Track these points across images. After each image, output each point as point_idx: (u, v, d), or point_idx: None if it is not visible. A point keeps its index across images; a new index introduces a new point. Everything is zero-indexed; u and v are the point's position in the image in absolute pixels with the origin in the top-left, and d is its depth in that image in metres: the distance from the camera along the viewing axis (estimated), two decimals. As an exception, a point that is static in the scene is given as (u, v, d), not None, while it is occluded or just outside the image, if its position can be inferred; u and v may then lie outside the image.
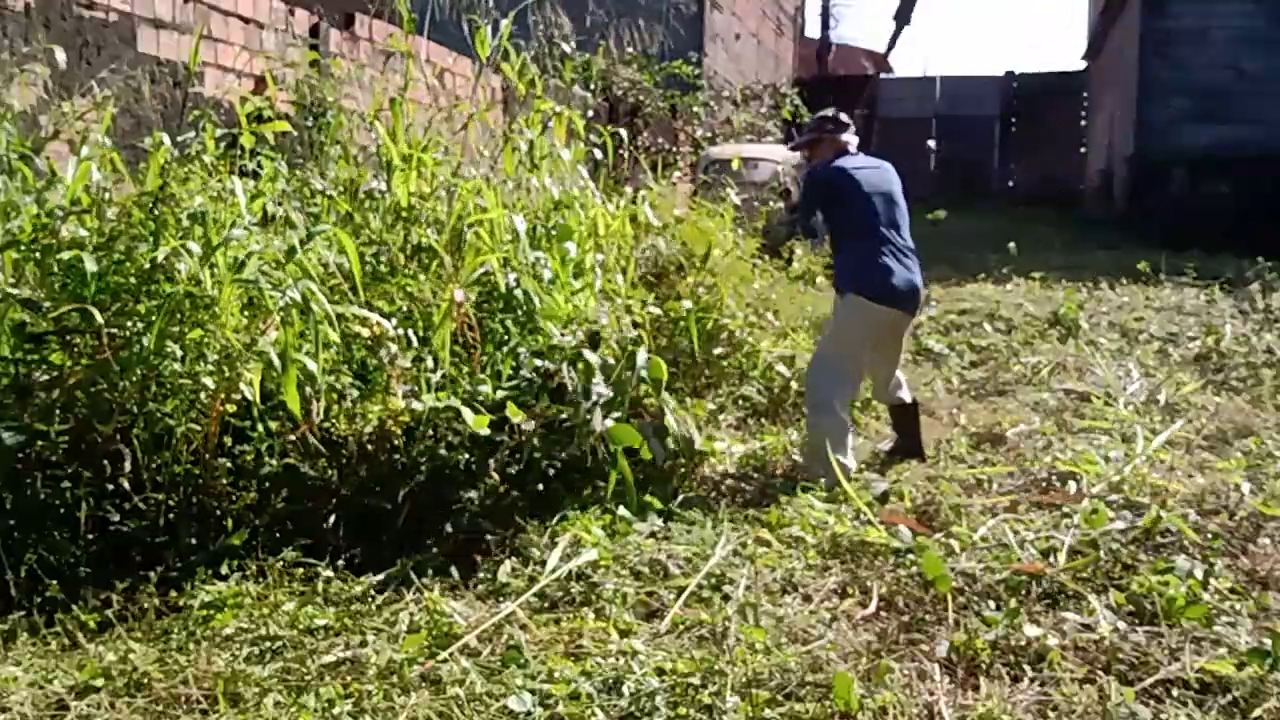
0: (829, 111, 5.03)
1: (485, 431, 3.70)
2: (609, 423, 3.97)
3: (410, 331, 4.06)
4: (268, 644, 2.90)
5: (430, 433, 3.76)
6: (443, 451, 3.72)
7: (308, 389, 3.56)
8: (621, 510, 3.86)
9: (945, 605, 3.14)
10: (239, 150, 4.57)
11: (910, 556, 3.50)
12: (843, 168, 4.78)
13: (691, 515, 3.99)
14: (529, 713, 2.59)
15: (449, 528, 3.61)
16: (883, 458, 5.01)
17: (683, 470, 4.44)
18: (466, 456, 3.76)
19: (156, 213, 3.67)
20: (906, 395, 5.03)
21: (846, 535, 3.78)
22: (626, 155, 7.80)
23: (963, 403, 6.16)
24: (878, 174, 4.81)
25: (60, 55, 4.48)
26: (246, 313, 3.60)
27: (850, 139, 4.91)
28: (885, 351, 4.86)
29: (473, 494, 3.72)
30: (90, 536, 3.24)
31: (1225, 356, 6.97)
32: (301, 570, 3.33)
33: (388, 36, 6.60)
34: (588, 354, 4.16)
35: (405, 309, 4.28)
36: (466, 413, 3.70)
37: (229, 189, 3.89)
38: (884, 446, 5.17)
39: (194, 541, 3.40)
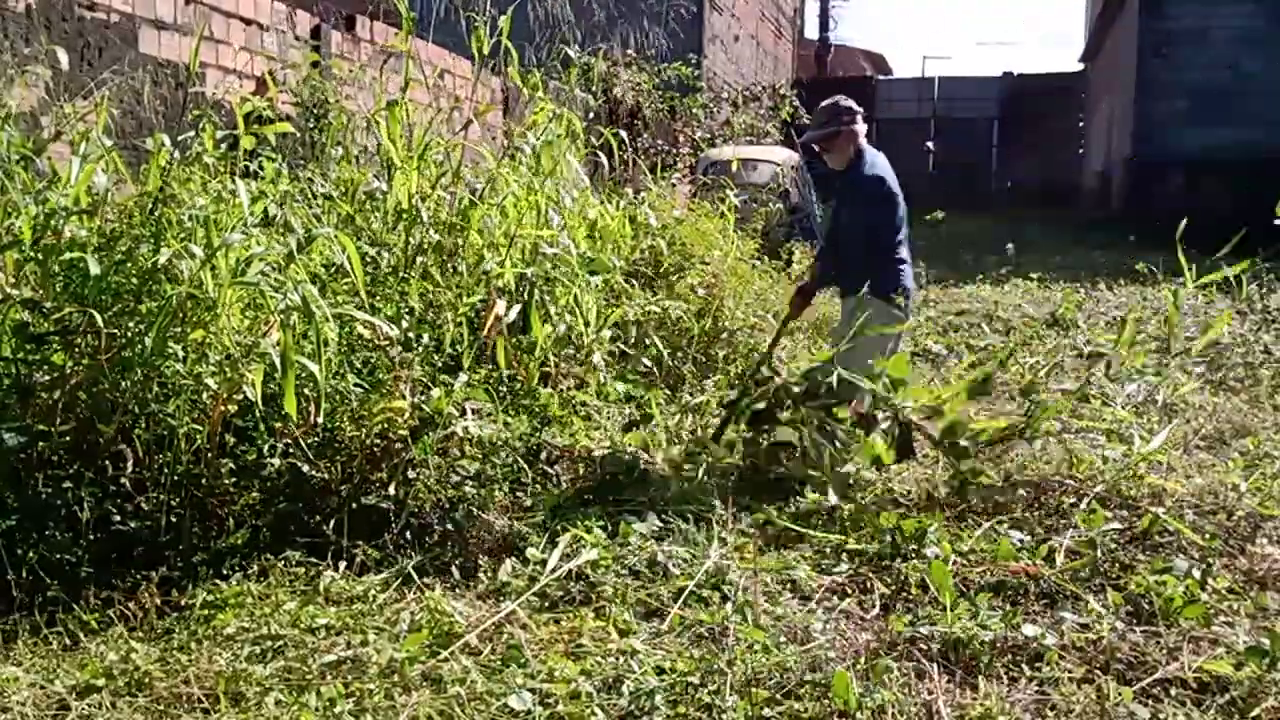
0: (840, 99, 4.94)
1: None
2: None
3: (423, 335, 4.08)
4: (269, 643, 2.91)
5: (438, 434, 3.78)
6: (455, 452, 3.74)
7: (309, 390, 3.57)
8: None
9: (944, 605, 3.15)
10: (240, 151, 4.58)
11: (914, 562, 3.50)
12: (891, 175, 4.84)
13: (690, 514, 4.00)
14: (529, 711, 2.61)
15: (450, 527, 3.63)
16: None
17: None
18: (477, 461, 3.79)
19: (157, 214, 3.68)
20: None
21: (846, 535, 3.79)
22: (627, 157, 7.80)
23: (961, 403, 6.17)
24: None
25: (62, 56, 4.49)
26: (249, 314, 3.61)
27: (863, 128, 4.90)
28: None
29: (475, 493, 3.73)
30: (92, 536, 3.24)
31: (1223, 356, 6.98)
32: (303, 570, 3.34)
33: (389, 37, 6.61)
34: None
35: (412, 309, 4.30)
36: None
37: (230, 190, 3.90)
38: None
39: (196, 541, 3.41)
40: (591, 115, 9.60)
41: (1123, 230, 15.26)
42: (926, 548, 3.56)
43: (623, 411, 4.97)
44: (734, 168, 9.47)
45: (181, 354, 3.45)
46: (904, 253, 4.88)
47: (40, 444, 3.30)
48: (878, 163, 4.86)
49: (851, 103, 4.91)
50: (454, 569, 3.46)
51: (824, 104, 5.03)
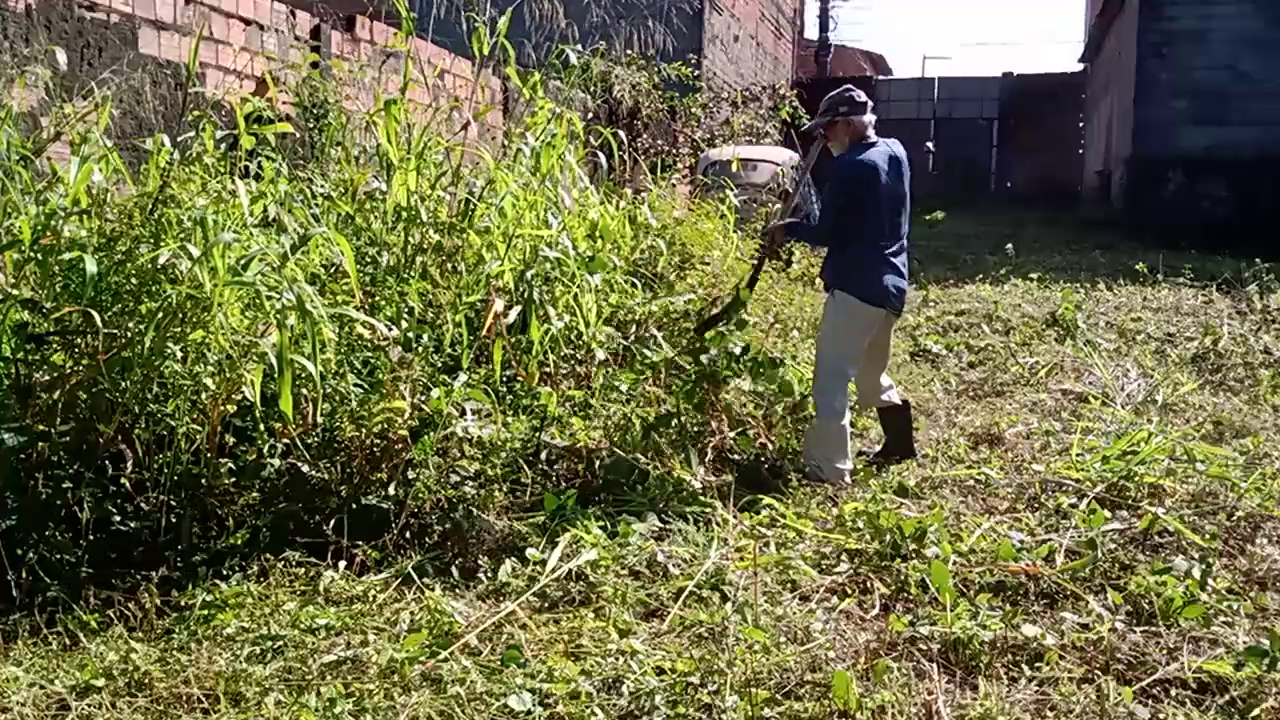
0: (845, 90, 4.82)
1: None
2: None
3: (423, 335, 4.08)
4: (269, 643, 2.91)
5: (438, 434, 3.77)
6: (455, 452, 3.74)
7: (307, 390, 3.56)
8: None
9: (944, 605, 3.15)
10: (240, 151, 4.58)
11: (914, 562, 3.50)
12: (871, 165, 4.64)
13: (690, 514, 4.00)
14: (529, 712, 2.60)
15: (450, 527, 3.63)
16: (869, 459, 4.99)
17: None
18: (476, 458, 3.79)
19: (156, 214, 3.68)
20: (896, 397, 5.02)
21: (846, 535, 3.79)
22: (626, 157, 7.81)
23: (961, 403, 6.17)
24: (894, 168, 4.71)
25: (61, 56, 4.49)
26: (249, 314, 3.60)
27: (868, 119, 4.74)
28: (875, 352, 4.87)
29: (475, 493, 3.73)
30: (92, 536, 3.25)
31: (1222, 356, 6.98)
32: (303, 570, 3.34)
33: (389, 37, 6.62)
34: None
35: (411, 309, 4.30)
36: None
37: (230, 191, 3.89)
38: (874, 448, 5.18)
39: (196, 541, 3.41)
40: (591, 115, 9.60)
41: (1123, 230, 15.27)
42: (926, 548, 3.56)
43: (624, 411, 4.96)
44: (734, 168, 9.47)
45: (180, 354, 3.45)
46: (876, 252, 4.68)
47: (40, 444, 3.30)
48: (871, 158, 4.71)
49: (854, 94, 4.79)
50: (454, 569, 3.46)
51: (831, 93, 4.98)
